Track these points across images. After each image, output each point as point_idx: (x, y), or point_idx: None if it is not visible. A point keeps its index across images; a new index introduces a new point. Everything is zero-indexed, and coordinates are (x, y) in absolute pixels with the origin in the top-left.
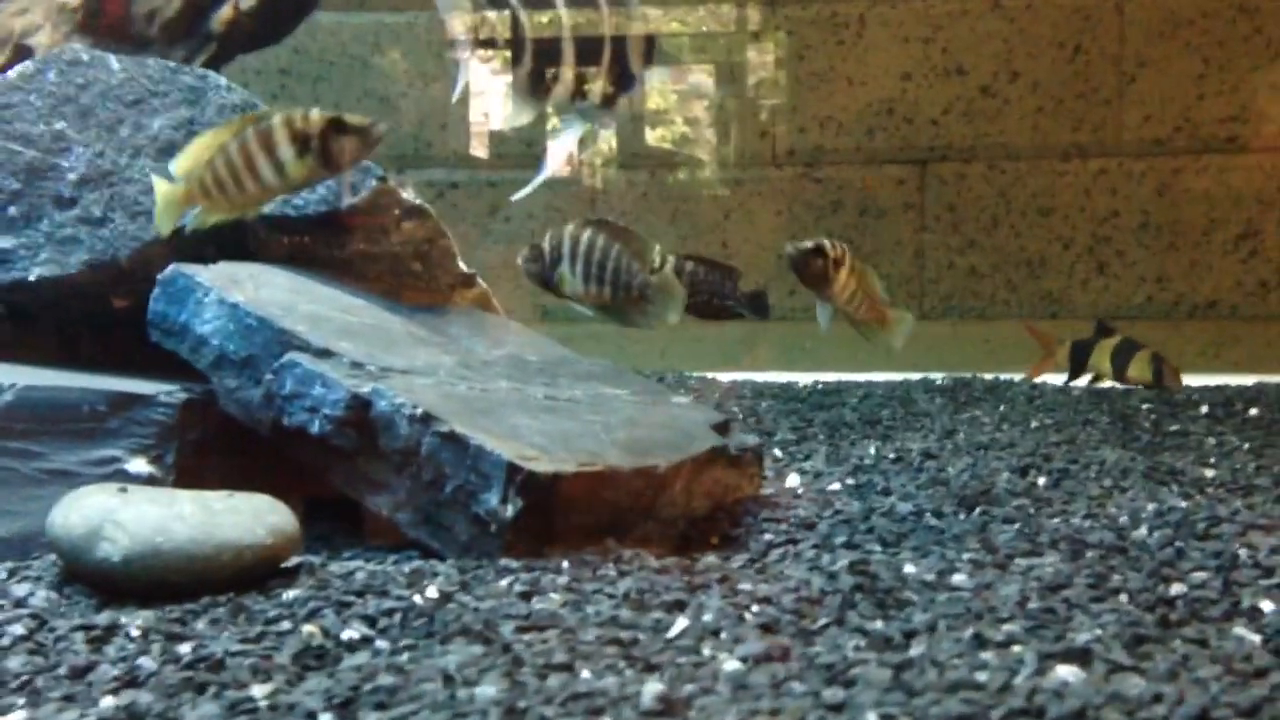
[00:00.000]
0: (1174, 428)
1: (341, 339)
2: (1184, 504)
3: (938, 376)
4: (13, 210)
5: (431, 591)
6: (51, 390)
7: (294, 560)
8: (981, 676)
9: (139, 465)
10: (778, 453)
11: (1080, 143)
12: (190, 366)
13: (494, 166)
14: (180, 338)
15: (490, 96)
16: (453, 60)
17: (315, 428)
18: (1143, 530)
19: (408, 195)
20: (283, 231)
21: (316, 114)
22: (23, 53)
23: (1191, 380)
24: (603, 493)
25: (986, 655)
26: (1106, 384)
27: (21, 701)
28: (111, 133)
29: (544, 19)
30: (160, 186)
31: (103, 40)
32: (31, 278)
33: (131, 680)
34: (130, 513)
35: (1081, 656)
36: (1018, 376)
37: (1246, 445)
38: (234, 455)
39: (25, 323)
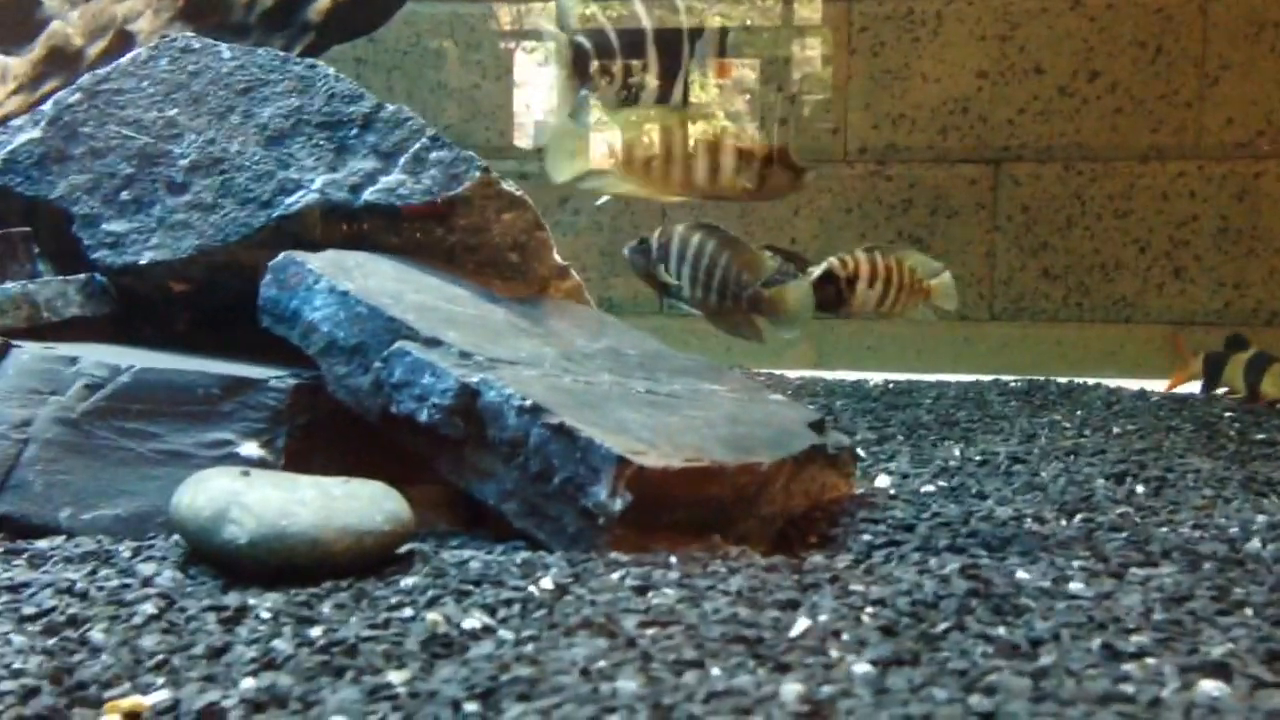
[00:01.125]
0: (1260, 436)
1: (449, 329)
2: None
3: (1010, 379)
4: (125, 195)
5: (546, 583)
6: (166, 373)
7: (407, 547)
8: (1127, 689)
9: (250, 448)
10: (860, 452)
11: (1159, 145)
12: (301, 352)
13: None
14: (291, 324)
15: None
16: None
17: (424, 416)
18: (1256, 542)
19: (508, 187)
20: (391, 222)
21: (760, 139)
22: (125, 39)
23: None
24: (708, 488)
25: (1127, 667)
26: (1227, 393)
27: (161, 681)
28: (222, 120)
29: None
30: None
31: (203, 27)
32: (143, 261)
33: (269, 662)
34: (255, 496)
35: (1220, 671)
36: (1091, 380)
37: None
38: (343, 441)
39: (138, 305)
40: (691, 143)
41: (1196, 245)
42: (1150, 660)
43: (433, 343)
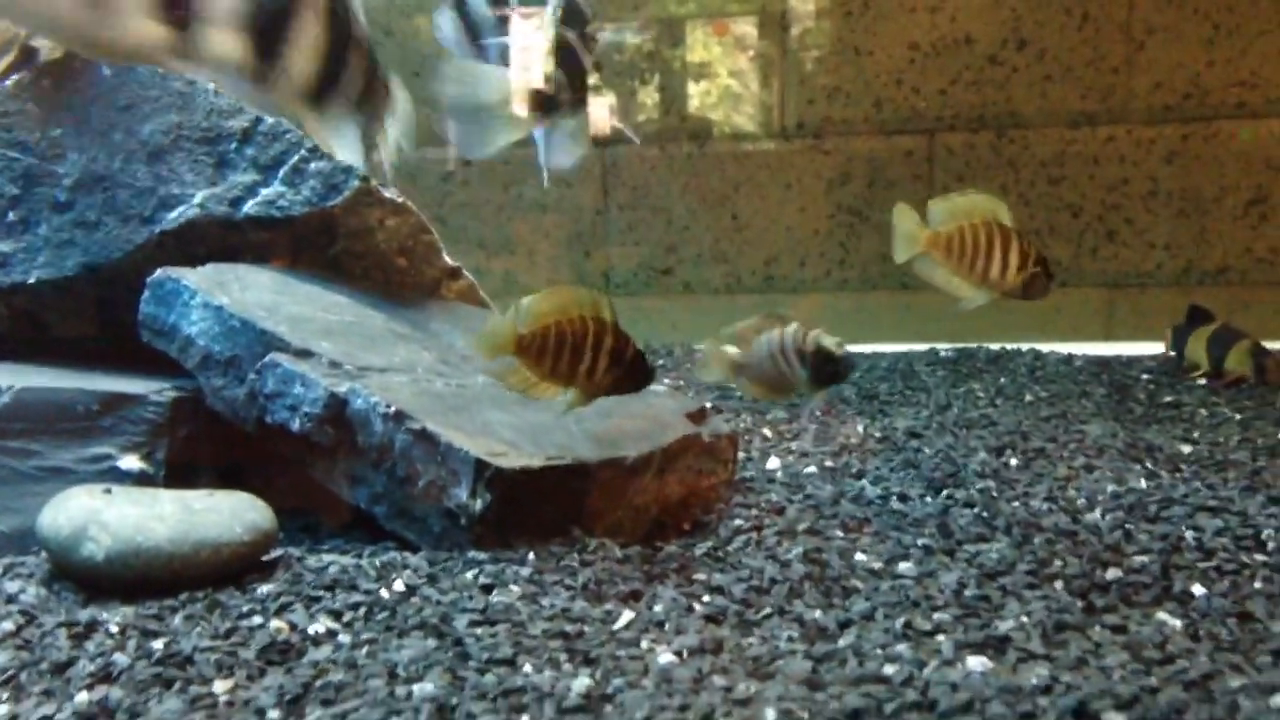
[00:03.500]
0: (1168, 399)
1: (322, 339)
2: (1145, 484)
3: (945, 347)
4: (12, 216)
5: (399, 585)
6: (46, 391)
7: (276, 553)
8: (890, 669)
9: (131, 462)
10: (768, 433)
11: (1089, 111)
12: None
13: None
14: (169, 338)
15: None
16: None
17: (295, 425)
18: (1096, 514)
19: (389, 194)
20: (270, 232)
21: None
22: (29, 54)
23: None
24: (570, 484)
25: (902, 647)
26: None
27: (5, 695)
28: (104, 138)
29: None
30: (910, 225)
31: None
32: (30, 280)
33: (106, 676)
34: (113, 513)
35: (999, 646)
36: (1025, 346)
37: (1238, 417)
38: (226, 449)
39: (25, 324)
40: (985, 234)
41: (1127, 209)
42: (939, 638)
43: (304, 354)
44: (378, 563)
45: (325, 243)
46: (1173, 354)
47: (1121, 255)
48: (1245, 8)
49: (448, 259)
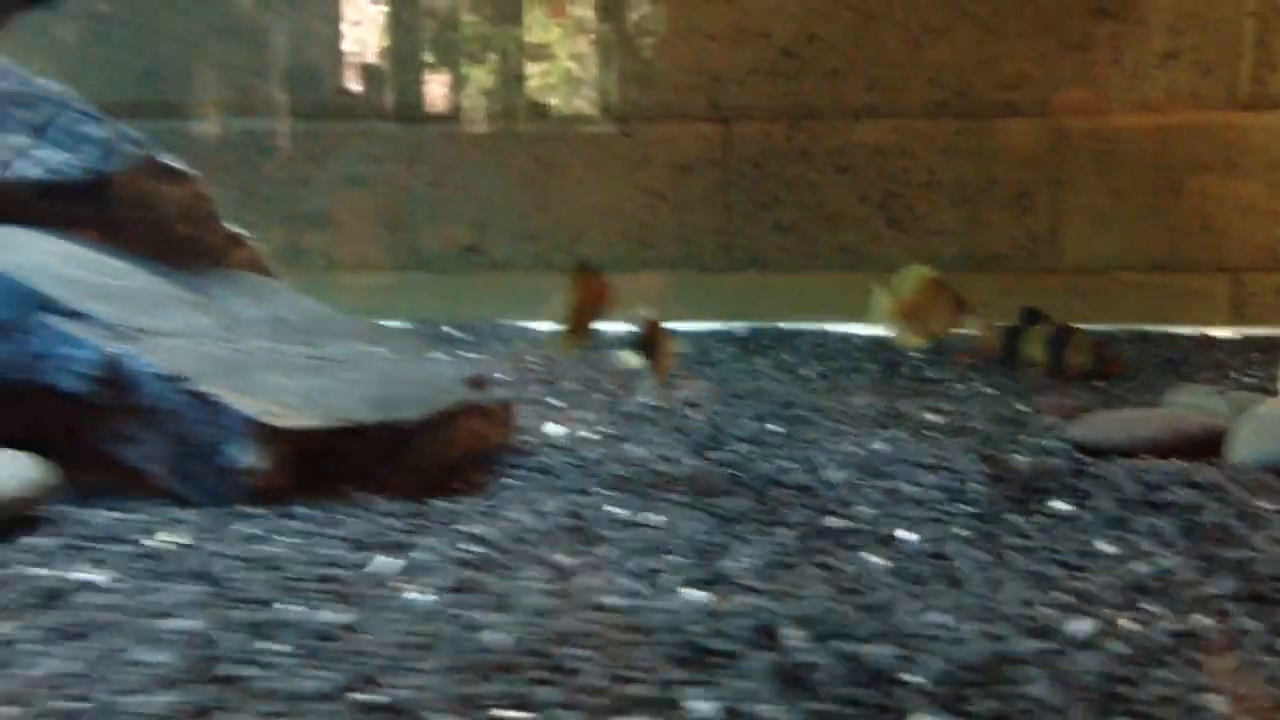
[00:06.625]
0: (930, 375)
1: (96, 301)
2: (882, 446)
3: (739, 326)
4: None
5: (167, 537)
6: None
7: (49, 510)
8: (614, 600)
9: None
10: (555, 401)
11: (873, 104)
12: None
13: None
14: None
15: None
16: None
17: (66, 385)
18: (831, 470)
19: (168, 160)
20: (47, 198)
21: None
22: None
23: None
24: (346, 444)
25: (632, 583)
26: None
27: None
28: None
29: None
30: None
31: None
32: None
33: None
34: None
35: (718, 581)
36: (813, 326)
37: (989, 392)
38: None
39: None
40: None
41: (907, 197)
42: (667, 576)
43: (76, 315)
44: (147, 517)
45: (104, 208)
46: (1002, 354)
47: (902, 240)
48: (1010, 15)
49: (230, 227)
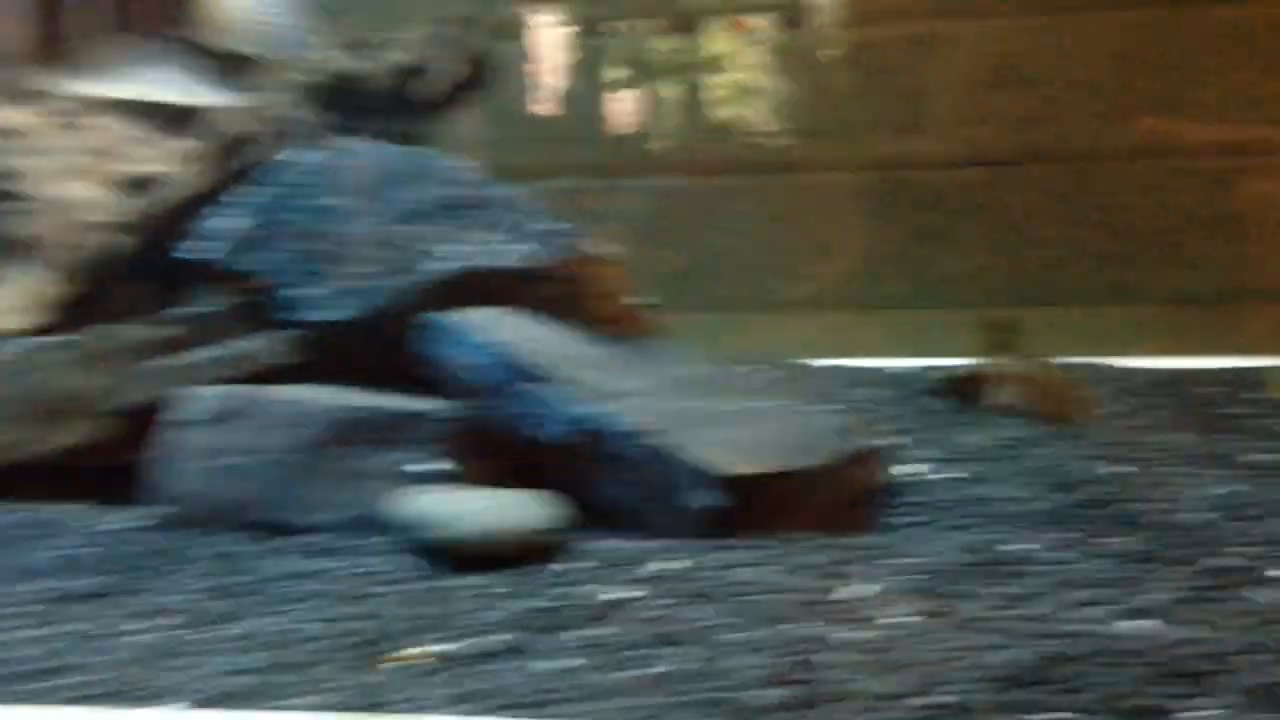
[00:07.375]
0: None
1: (568, 367)
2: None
3: None
4: (309, 268)
5: (661, 565)
6: (354, 409)
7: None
8: (1066, 626)
9: (422, 466)
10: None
11: None
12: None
13: None
14: (447, 367)
15: None
16: None
17: (552, 437)
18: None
19: (594, 247)
20: (512, 282)
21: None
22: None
23: None
24: (774, 487)
25: (1067, 612)
26: None
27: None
28: (372, 203)
29: None
30: None
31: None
32: (326, 319)
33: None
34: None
35: (1149, 612)
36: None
37: None
38: (496, 459)
39: (328, 353)
40: None
41: None
42: (1099, 607)
43: (555, 380)
44: (637, 547)
45: (549, 290)
46: None
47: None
48: None
49: (631, 299)
